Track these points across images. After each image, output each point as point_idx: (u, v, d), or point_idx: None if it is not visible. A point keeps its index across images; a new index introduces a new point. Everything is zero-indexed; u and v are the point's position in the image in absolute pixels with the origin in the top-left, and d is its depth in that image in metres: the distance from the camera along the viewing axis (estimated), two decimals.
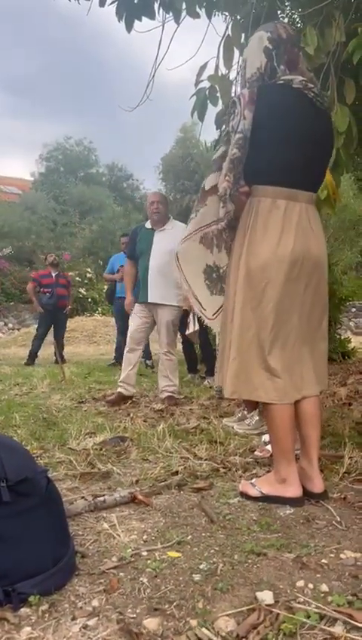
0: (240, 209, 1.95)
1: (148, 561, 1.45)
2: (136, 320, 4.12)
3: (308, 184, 1.93)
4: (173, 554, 1.50)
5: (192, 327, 3.89)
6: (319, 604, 1.20)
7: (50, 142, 28.10)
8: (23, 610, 1.21)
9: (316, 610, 1.17)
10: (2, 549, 1.25)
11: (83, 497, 1.91)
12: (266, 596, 1.24)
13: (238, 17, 3.34)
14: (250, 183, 1.92)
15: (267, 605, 1.20)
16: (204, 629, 1.12)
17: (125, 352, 4.16)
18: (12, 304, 15.81)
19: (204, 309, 2.20)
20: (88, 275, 18.35)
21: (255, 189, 1.91)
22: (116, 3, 3.30)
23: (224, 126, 1.96)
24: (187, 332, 3.89)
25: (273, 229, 1.84)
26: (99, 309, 17.50)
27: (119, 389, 4.08)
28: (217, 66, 3.23)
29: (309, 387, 1.95)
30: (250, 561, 1.45)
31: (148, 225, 4.18)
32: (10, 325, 15.69)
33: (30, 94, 62.32)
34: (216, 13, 3.51)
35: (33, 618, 1.18)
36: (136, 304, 4.14)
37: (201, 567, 1.42)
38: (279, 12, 3.61)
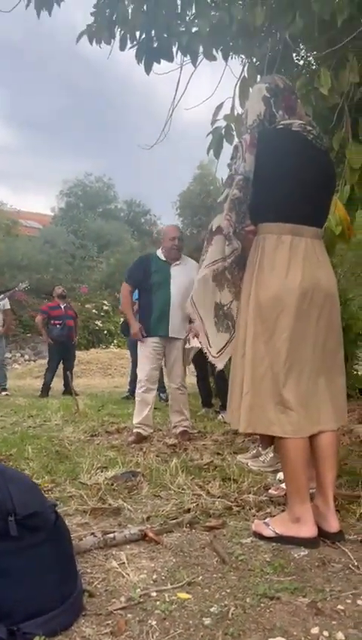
0: (247, 247, 2.02)
1: (158, 603, 1.41)
2: (152, 359, 4.01)
3: (312, 220, 1.97)
4: (183, 595, 1.45)
5: (193, 343, 3.99)
6: None
7: (70, 178, 28.82)
8: None
9: None
10: (8, 586, 1.23)
11: (92, 534, 1.87)
12: None
13: (254, 60, 3.44)
14: (256, 222, 1.99)
15: None
16: None
17: (140, 391, 4.02)
18: (29, 336, 15.94)
19: (210, 347, 2.21)
20: (105, 308, 18.51)
21: (261, 227, 1.97)
22: (136, 47, 3.43)
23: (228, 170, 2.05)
24: (187, 346, 3.94)
25: (280, 264, 1.87)
26: (115, 342, 17.56)
27: (137, 430, 3.95)
28: (233, 106, 3.32)
29: (326, 421, 1.91)
30: (262, 604, 1.40)
31: (161, 256, 4.10)
32: (27, 357, 15.79)
33: (52, 132, 64.35)
34: (233, 55, 3.63)
35: None
36: (150, 339, 4.01)
37: (212, 610, 1.37)
38: (294, 55, 3.72)
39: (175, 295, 3.96)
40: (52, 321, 7.86)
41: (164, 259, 4.09)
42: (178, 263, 4.08)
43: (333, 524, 1.86)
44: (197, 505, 2.27)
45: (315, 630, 1.26)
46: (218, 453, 3.40)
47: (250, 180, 1.94)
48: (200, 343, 3.89)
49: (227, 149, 3.38)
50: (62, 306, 8.01)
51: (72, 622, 1.29)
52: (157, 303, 4.00)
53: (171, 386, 4.15)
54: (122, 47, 3.45)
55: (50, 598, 1.28)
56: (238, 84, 3.27)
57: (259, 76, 3.35)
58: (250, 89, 3.27)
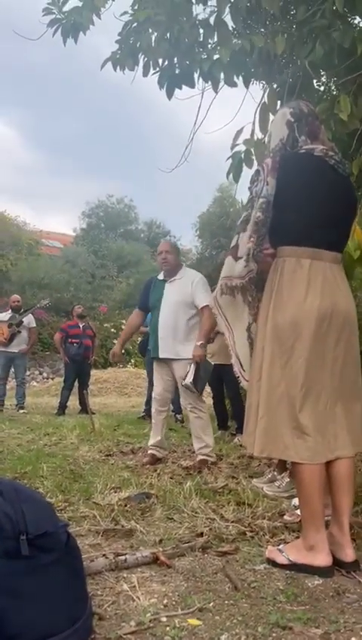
0: (266, 270, 2.02)
1: (168, 628, 1.39)
2: (160, 382, 3.99)
3: (331, 244, 1.97)
4: (194, 622, 1.43)
5: (189, 378, 3.68)
6: None
7: (92, 199, 29.32)
8: None
9: None
10: (17, 607, 1.22)
11: (104, 555, 1.86)
12: None
13: (275, 86, 3.50)
14: (276, 245, 1.99)
15: None
16: None
17: (153, 413, 4.02)
18: (48, 354, 16.07)
19: (244, 370, 2.19)
20: (123, 327, 18.59)
21: (280, 250, 1.98)
22: (158, 73, 3.51)
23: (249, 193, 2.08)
24: (183, 382, 3.71)
25: (299, 287, 1.87)
26: (132, 361, 17.60)
27: (151, 452, 3.93)
28: (253, 131, 3.36)
29: (343, 447, 1.88)
30: (274, 634, 1.37)
31: (160, 276, 4.07)
32: (45, 374, 15.90)
33: (75, 155, 65.85)
34: (254, 82, 3.69)
35: None
36: (155, 362, 4.04)
37: (223, 638, 1.35)
38: (314, 81, 3.77)
39: (164, 314, 3.86)
40: (70, 340, 7.93)
41: (162, 278, 4.04)
42: (174, 279, 3.94)
43: (349, 554, 1.82)
44: (211, 529, 2.24)
45: None
46: (233, 477, 3.37)
47: (271, 203, 1.95)
48: (191, 363, 3.82)
49: (246, 173, 3.42)
50: (81, 326, 8.08)
51: None
52: (152, 324, 4.01)
53: (186, 408, 4.00)
54: (145, 74, 3.53)
55: (59, 620, 1.27)
56: (258, 109, 3.32)
57: (279, 102, 3.39)
58: (270, 114, 3.32)
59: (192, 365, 3.66)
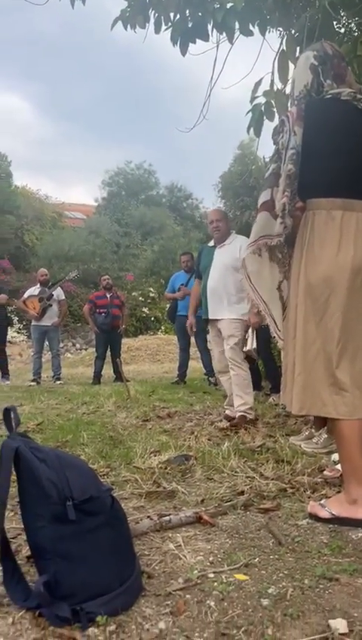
0: (296, 225, 1.95)
1: (215, 584, 1.42)
2: (216, 346, 4.13)
3: None
4: (241, 576, 1.46)
5: (250, 344, 3.74)
6: None
7: (111, 167, 29.05)
8: (90, 630, 1.21)
9: None
10: (70, 568, 1.26)
11: (148, 517, 1.90)
12: (339, 625, 1.17)
13: (293, 31, 3.34)
14: (304, 198, 1.92)
15: (340, 634, 1.14)
16: None
17: (217, 377, 4.19)
18: (79, 325, 16.30)
19: (279, 330, 2.17)
20: (151, 295, 18.67)
21: (309, 203, 1.90)
22: (171, 29, 3.39)
23: (274, 145, 1.99)
24: (245, 349, 3.78)
25: (331, 241, 1.81)
26: (162, 328, 17.71)
27: (226, 411, 4.15)
28: (272, 82, 3.24)
29: None
30: (321, 586, 1.39)
31: (211, 243, 4.21)
32: (78, 346, 16.17)
33: (91, 124, 65.00)
34: (270, 29, 3.53)
35: (101, 638, 1.18)
36: (210, 325, 4.14)
37: (270, 591, 1.37)
38: (335, 22, 3.58)
39: (212, 278, 4.00)
40: (98, 310, 8.03)
41: (212, 244, 4.18)
42: (223, 244, 4.06)
43: None
44: (251, 487, 2.27)
45: None
46: (270, 436, 3.39)
47: (300, 154, 1.87)
48: (251, 329, 3.84)
49: (267, 127, 3.31)
50: (108, 296, 8.14)
51: (132, 602, 1.32)
52: (201, 287, 4.16)
53: (228, 366, 4.01)
54: (157, 30, 3.42)
55: (110, 579, 1.31)
56: (277, 58, 3.18)
57: (298, 48, 3.24)
58: (290, 62, 3.18)
59: (251, 331, 3.74)
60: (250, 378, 3.98)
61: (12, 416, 1.44)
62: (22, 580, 1.34)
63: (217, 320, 4.00)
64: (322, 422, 3.09)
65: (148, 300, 18.51)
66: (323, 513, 1.86)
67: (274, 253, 2.06)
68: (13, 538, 1.72)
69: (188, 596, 1.36)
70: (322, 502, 1.92)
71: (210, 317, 4.04)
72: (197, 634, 1.18)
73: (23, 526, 1.45)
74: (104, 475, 2.54)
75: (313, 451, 2.94)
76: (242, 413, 3.84)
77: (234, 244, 3.99)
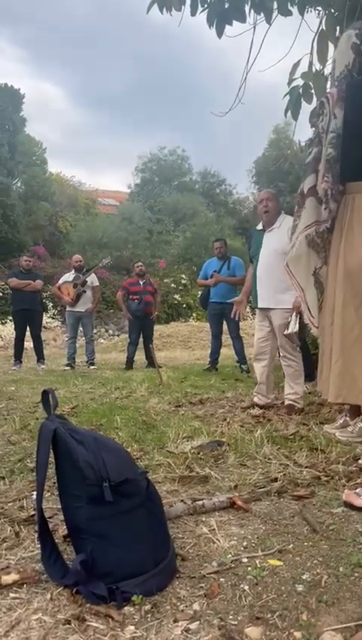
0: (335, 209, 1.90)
1: (249, 568, 1.42)
2: (258, 331, 4.09)
3: None
4: (275, 562, 1.46)
5: (292, 327, 3.66)
6: None
7: (144, 153, 29.01)
8: (126, 609, 1.23)
9: None
10: (106, 548, 1.29)
11: (182, 500, 1.92)
12: None
13: (332, 10, 3.24)
14: (344, 181, 1.87)
15: None
16: None
17: (252, 362, 4.16)
18: (112, 311, 16.46)
19: (313, 317, 2.14)
20: (183, 282, 18.66)
21: (349, 186, 1.86)
22: (207, 10, 3.33)
23: (313, 129, 1.93)
24: (285, 332, 3.71)
25: None
26: (194, 315, 17.71)
27: (254, 397, 4.14)
28: (311, 63, 3.16)
29: None
30: (356, 574, 1.38)
31: (259, 226, 4.10)
32: (111, 332, 16.33)
33: (124, 108, 64.96)
34: (309, 9, 3.43)
35: (136, 617, 1.20)
36: (257, 311, 4.10)
37: (304, 577, 1.37)
38: None
39: (261, 264, 3.91)
40: (131, 297, 8.08)
41: (260, 228, 4.07)
42: (272, 228, 3.93)
43: None
44: (285, 474, 2.26)
45: None
46: (304, 424, 3.36)
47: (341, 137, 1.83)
48: (294, 313, 3.79)
49: (305, 110, 3.24)
50: (141, 282, 8.18)
51: (166, 583, 1.34)
52: (252, 274, 4.08)
53: (279, 356, 4.02)
54: (193, 12, 3.37)
55: (145, 561, 1.33)
56: (316, 38, 3.10)
57: (338, 28, 3.15)
58: (329, 43, 3.09)
59: (294, 315, 3.66)
60: (301, 368, 3.92)
61: (50, 398, 1.46)
62: (59, 557, 1.38)
63: (269, 309, 3.92)
64: (357, 411, 3.05)
65: (180, 287, 18.52)
66: (359, 502, 1.84)
67: (313, 239, 2.02)
68: (50, 518, 1.76)
69: (221, 579, 1.37)
70: (357, 490, 1.90)
71: (260, 306, 3.96)
72: (231, 616, 1.19)
73: (59, 506, 1.48)
74: (138, 458, 2.57)
75: (348, 440, 2.90)
76: (291, 402, 3.83)
77: (283, 227, 3.82)
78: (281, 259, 3.74)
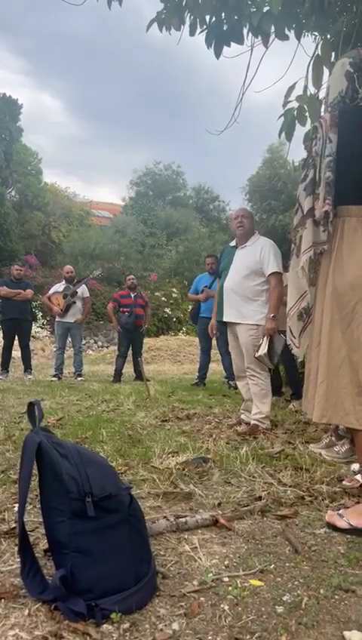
0: None
1: (230, 588, 1.42)
2: (232, 351, 4.09)
3: None
4: (256, 582, 1.45)
5: (262, 350, 3.65)
6: None
7: (139, 167, 29.25)
8: (105, 626, 1.22)
9: None
10: (87, 564, 1.28)
11: (165, 517, 1.91)
12: (355, 637, 1.16)
13: (328, 36, 3.31)
14: (335, 204, 1.90)
15: None
16: None
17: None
18: (102, 323, 16.43)
19: (294, 337, 2.16)
20: (173, 295, 18.71)
21: (339, 210, 1.90)
22: (206, 31, 3.39)
23: (306, 151, 1.97)
24: (256, 355, 3.69)
25: (360, 248, 1.80)
26: (184, 329, 17.74)
27: (241, 415, 4.14)
28: (306, 87, 3.22)
29: None
30: (336, 597, 1.38)
31: (232, 243, 4.12)
32: (100, 343, 16.29)
33: (122, 124, 65.61)
34: (306, 34, 3.51)
35: (115, 635, 1.19)
36: (228, 332, 4.06)
37: (285, 598, 1.36)
38: None
39: (230, 278, 3.90)
40: (121, 309, 8.09)
41: (233, 244, 4.09)
42: (244, 245, 3.95)
43: None
44: (269, 493, 2.26)
45: None
46: (289, 442, 3.36)
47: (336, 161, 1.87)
48: (264, 335, 3.81)
49: (299, 132, 3.29)
50: (132, 295, 8.19)
51: (146, 601, 1.33)
52: (218, 288, 4.09)
53: (246, 374, 3.97)
54: (192, 33, 3.43)
55: (126, 577, 1.32)
56: (311, 63, 3.16)
57: (333, 54, 3.22)
58: (324, 68, 3.15)
59: (265, 338, 3.66)
60: (268, 387, 3.90)
61: (36, 410, 1.46)
62: (39, 572, 1.36)
63: (234, 324, 3.92)
64: (341, 433, 3.06)
65: (171, 301, 18.56)
66: (341, 523, 1.84)
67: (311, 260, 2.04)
68: (31, 531, 1.75)
69: (202, 599, 1.36)
70: (340, 512, 1.90)
71: (224, 319, 3.95)
72: (210, 637, 1.18)
73: (41, 519, 1.47)
74: (122, 473, 2.55)
75: (333, 460, 2.91)
76: (256, 422, 3.79)
77: (255, 245, 3.88)
78: (250, 276, 3.79)
